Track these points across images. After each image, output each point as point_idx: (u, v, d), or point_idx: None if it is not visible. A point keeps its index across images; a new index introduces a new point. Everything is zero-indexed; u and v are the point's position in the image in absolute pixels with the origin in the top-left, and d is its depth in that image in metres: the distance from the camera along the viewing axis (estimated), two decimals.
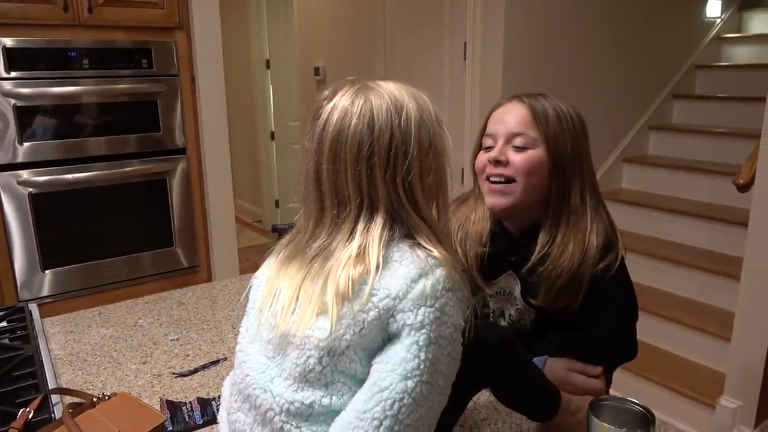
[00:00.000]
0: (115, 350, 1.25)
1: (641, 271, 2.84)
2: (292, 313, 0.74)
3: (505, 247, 1.12)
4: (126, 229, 2.55)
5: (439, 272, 0.71)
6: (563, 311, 1.06)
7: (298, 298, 0.74)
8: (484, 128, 1.12)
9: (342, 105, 0.76)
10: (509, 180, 1.06)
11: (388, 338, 0.70)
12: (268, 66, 4.74)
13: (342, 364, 0.70)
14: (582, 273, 1.03)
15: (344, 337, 0.69)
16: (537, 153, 1.05)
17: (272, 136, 4.87)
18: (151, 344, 1.28)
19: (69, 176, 2.37)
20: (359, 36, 3.55)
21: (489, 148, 1.08)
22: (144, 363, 1.18)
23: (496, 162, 1.06)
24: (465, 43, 2.90)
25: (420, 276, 0.70)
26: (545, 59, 2.93)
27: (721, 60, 3.93)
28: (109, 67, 2.38)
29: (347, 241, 0.74)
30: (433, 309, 0.69)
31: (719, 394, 2.20)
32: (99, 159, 2.43)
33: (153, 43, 2.44)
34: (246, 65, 4.87)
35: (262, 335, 0.78)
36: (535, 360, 1.04)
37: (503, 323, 1.17)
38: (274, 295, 0.78)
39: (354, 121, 0.74)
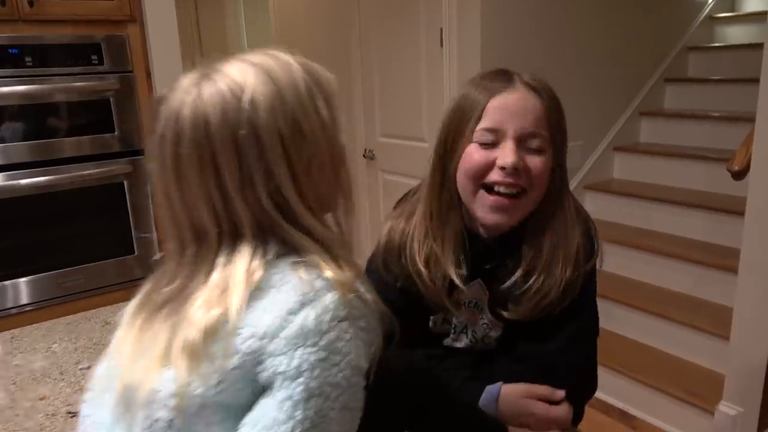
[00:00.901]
0: (14, 383, 1.10)
1: (633, 265, 2.68)
2: (138, 365, 0.58)
3: (477, 253, 0.96)
4: (83, 237, 2.40)
5: (329, 298, 0.55)
6: (539, 320, 0.91)
7: (145, 348, 0.59)
8: (478, 117, 0.88)
9: (173, 107, 0.60)
10: (520, 192, 0.87)
11: (260, 391, 0.55)
12: None
13: (198, 427, 0.55)
14: (576, 278, 0.90)
15: (196, 393, 0.54)
16: (548, 157, 0.89)
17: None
18: (58, 374, 1.12)
19: (19, 182, 2.21)
20: (335, 25, 3.38)
21: (488, 146, 0.87)
22: (42, 399, 1.03)
23: (512, 170, 0.85)
24: (441, 29, 2.73)
25: (302, 305, 0.55)
26: (526, 43, 2.76)
27: (714, 41, 3.75)
28: (54, 64, 2.21)
29: (205, 281, 0.59)
30: (315, 349, 0.54)
31: (718, 399, 2.04)
32: (51, 163, 2.28)
33: (103, 37, 2.28)
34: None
35: (111, 386, 0.63)
36: (488, 389, 0.89)
37: (464, 341, 1.01)
38: (122, 344, 0.62)
39: (186, 124, 0.59)
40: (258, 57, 0.63)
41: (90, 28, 2.27)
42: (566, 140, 0.93)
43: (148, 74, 2.41)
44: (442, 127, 0.94)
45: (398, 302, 0.92)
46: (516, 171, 0.85)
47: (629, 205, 2.96)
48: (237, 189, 0.59)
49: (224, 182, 0.59)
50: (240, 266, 0.58)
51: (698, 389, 2.17)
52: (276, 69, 0.62)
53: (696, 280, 2.53)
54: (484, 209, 0.89)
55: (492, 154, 0.87)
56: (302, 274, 0.57)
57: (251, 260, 0.58)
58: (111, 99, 2.34)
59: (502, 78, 0.90)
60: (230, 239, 0.60)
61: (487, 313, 0.98)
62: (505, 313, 0.93)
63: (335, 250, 0.62)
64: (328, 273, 0.57)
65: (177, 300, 0.60)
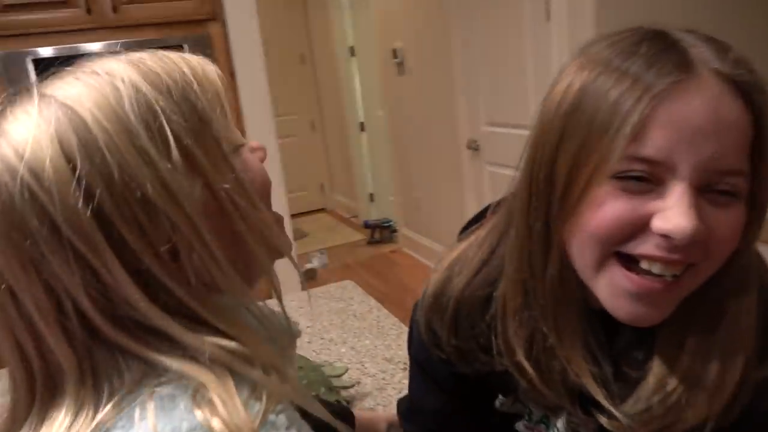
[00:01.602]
0: None
1: None
2: None
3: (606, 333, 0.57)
4: None
5: None
6: None
7: None
8: (629, 137, 0.45)
9: None
10: (685, 269, 0.48)
11: None
12: (353, 53, 4.47)
13: None
14: (740, 395, 0.52)
15: None
16: (742, 205, 0.48)
17: (362, 126, 4.60)
18: None
19: None
20: (435, 9, 3.13)
21: (637, 184, 0.46)
22: None
23: (688, 241, 0.44)
24: (546, 1, 2.37)
25: None
26: (658, 4, 2.30)
27: None
28: None
29: None
30: None
31: None
32: None
33: (186, 38, 2.25)
34: (330, 54, 4.65)
35: None
36: None
37: None
38: None
39: None
40: (73, 83, 0.43)
41: (172, 30, 2.25)
42: None
43: (232, 74, 2.35)
44: (540, 140, 0.52)
45: (447, 383, 0.66)
46: (691, 244, 0.45)
47: None
48: (41, 314, 0.40)
49: (22, 305, 0.40)
50: None
51: None
52: (94, 102, 0.41)
53: None
54: (617, 293, 0.49)
55: (645, 206, 0.46)
56: (156, 419, 0.37)
57: (72, 422, 0.39)
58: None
59: (668, 57, 0.46)
60: (46, 388, 0.42)
61: (576, 409, 0.59)
62: (603, 420, 0.55)
63: (250, 356, 0.42)
64: (202, 413, 0.38)
65: None
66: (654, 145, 0.45)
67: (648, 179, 0.46)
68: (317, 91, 5.14)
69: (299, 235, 4.60)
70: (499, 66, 2.73)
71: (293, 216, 4.95)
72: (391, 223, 4.28)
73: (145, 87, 0.42)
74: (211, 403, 0.39)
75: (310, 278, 3.69)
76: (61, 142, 0.39)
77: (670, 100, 0.45)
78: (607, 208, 0.47)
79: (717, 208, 0.46)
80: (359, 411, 0.84)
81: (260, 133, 2.43)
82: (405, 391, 0.98)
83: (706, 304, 0.52)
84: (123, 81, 0.42)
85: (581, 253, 0.50)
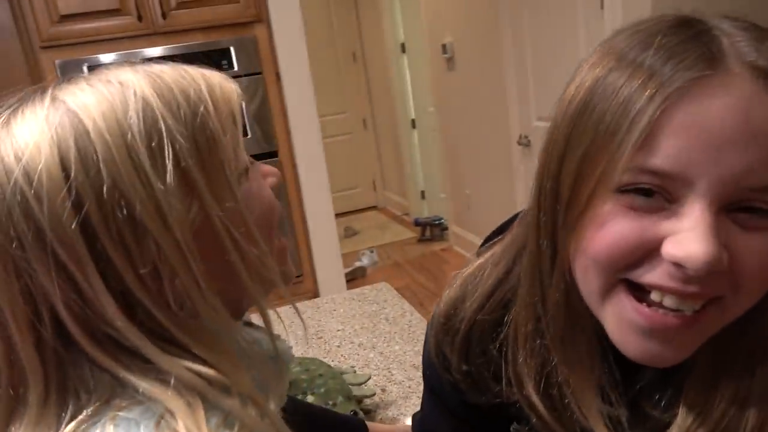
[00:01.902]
0: None
1: None
2: None
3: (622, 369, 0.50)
4: None
5: None
6: None
7: None
8: (638, 144, 0.38)
9: None
10: (708, 303, 0.41)
11: None
12: (403, 50, 4.43)
13: None
14: None
15: None
16: None
17: (413, 124, 4.56)
18: None
19: None
20: (484, 1, 3.05)
21: (645, 200, 0.39)
22: None
23: (703, 272, 0.37)
24: None
25: None
26: None
27: None
28: None
29: None
30: None
31: None
32: None
33: (232, 41, 2.29)
34: (381, 51, 4.63)
35: None
36: None
37: None
38: None
39: None
40: (86, 90, 0.42)
41: (219, 33, 2.29)
42: None
43: (278, 75, 2.37)
44: (548, 146, 0.46)
45: (458, 410, 0.60)
46: (710, 275, 0.37)
47: None
48: (15, 318, 0.39)
49: (3, 321, 0.40)
50: None
51: None
52: (100, 112, 0.40)
53: None
54: (625, 328, 0.42)
55: (655, 227, 0.39)
56: None
57: None
58: (242, 103, 2.35)
59: (693, 48, 0.39)
60: (8, 397, 0.41)
61: None
62: None
63: (227, 385, 0.41)
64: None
65: None
66: (666, 154, 0.37)
67: (660, 194, 0.38)
68: (369, 89, 5.14)
69: (350, 233, 4.62)
70: (551, 58, 2.63)
71: (345, 214, 5.00)
72: (442, 220, 4.22)
73: (155, 102, 0.41)
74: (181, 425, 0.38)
75: (359, 276, 3.70)
76: (60, 149, 0.39)
77: (689, 99, 0.37)
78: (609, 228, 0.40)
79: (747, 231, 0.38)
80: (375, 424, 0.82)
81: (305, 133, 2.45)
82: None
83: (746, 340, 0.44)
84: (134, 94, 0.41)
85: (585, 279, 0.44)
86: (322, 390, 0.84)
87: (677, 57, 0.39)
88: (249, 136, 2.38)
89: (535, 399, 0.50)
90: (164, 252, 0.40)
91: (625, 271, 0.41)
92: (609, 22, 2.27)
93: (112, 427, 0.37)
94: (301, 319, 0.51)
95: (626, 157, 0.38)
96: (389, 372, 1.05)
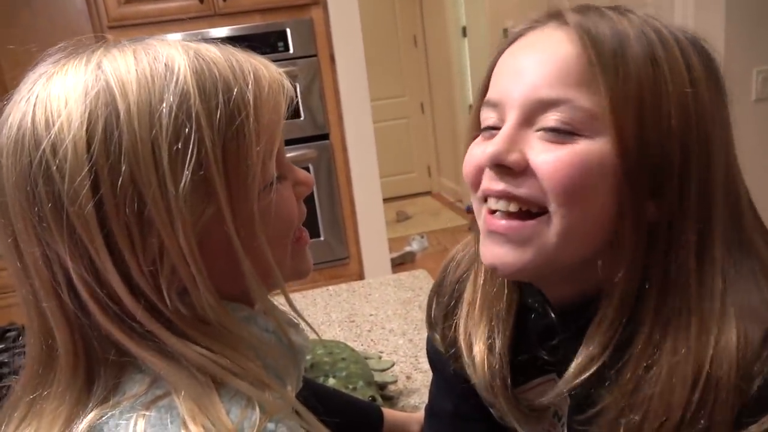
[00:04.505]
0: None
1: None
2: None
3: (539, 331, 0.56)
4: None
5: None
6: None
7: None
8: (485, 88, 0.52)
9: (14, 101, 0.42)
10: (529, 210, 0.47)
11: None
12: (464, 33, 4.35)
13: None
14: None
15: None
16: (593, 147, 0.45)
17: (470, 109, 4.48)
18: None
19: None
20: None
21: (490, 132, 0.49)
22: None
23: (497, 167, 0.47)
24: None
25: None
26: None
27: None
28: None
29: None
30: None
31: None
32: None
33: (288, 23, 2.32)
34: (442, 35, 4.56)
35: None
36: None
37: None
38: None
39: (18, 133, 0.41)
40: (131, 66, 0.41)
41: (276, 15, 2.32)
42: (672, 104, 0.44)
43: (332, 58, 2.39)
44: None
45: (455, 381, 0.62)
46: (503, 168, 0.46)
47: None
48: (39, 276, 0.41)
49: (25, 262, 0.42)
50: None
51: None
52: (136, 97, 0.40)
53: None
54: (483, 238, 0.50)
55: (486, 148, 0.48)
56: None
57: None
58: (297, 85, 2.38)
59: (539, 16, 0.51)
60: (47, 368, 0.43)
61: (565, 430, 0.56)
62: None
63: (237, 371, 0.42)
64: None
65: None
66: (494, 87, 0.50)
67: (494, 125, 0.49)
68: (428, 73, 5.09)
69: (402, 217, 4.62)
70: None
71: (398, 198, 5.00)
72: None
73: (193, 97, 0.41)
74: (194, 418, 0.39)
75: (408, 261, 3.70)
76: (89, 128, 0.39)
77: (513, 47, 0.50)
78: (469, 153, 0.51)
79: (546, 145, 0.46)
80: (392, 411, 0.82)
81: (356, 116, 2.46)
82: None
83: (648, 297, 0.47)
84: (176, 83, 0.41)
85: (473, 198, 0.52)
86: (344, 374, 0.85)
87: (528, 23, 0.51)
88: (302, 118, 2.41)
89: (463, 345, 0.58)
90: (166, 251, 0.40)
91: (480, 187, 0.50)
92: (680, 8, 2.15)
93: (142, 422, 0.39)
94: (297, 313, 0.51)
95: (477, 99, 0.52)
96: (416, 360, 1.05)
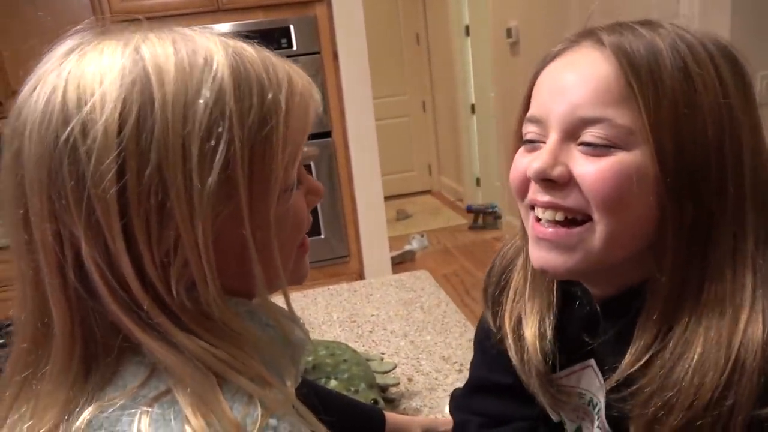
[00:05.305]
0: None
1: None
2: None
3: (582, 319, 0.60)
4: None
5: None
6: None
7: None
8: (526, 103, 0.56)
9: (31, 85, 0.41)
10: (574, 218, 0.51)
11: None
12: (467, 32, 4.34)
13: None
14: (736, 401, 0.47)
15: None
16: (630, 158, 0.48)
17: (472, 109, 4.48)
18: None
19: None
20: None
21: (532, 144, 0.53)
22: None
23: (543, 181, 0.51)
24: None
25: None
26: None
27: None
28: None
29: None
30: None
31: None
32: None
33: (292, 19, 2.31)
34: (444, 33, 4.55)
35: None
36: None
37: None
38: None
39: (8, 131, 0.41)
40: (169, 55, 0.41)
41: (280, 11, 2.31)
42: (707, 117, 0.47)
43: (335, 55, 2.38)
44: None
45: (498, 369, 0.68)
46: (549, 182, 0.50)
47: None
48: (45, 251, 0.40)
49: (32, 236, 0.41)
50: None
51: None
52: (173, 87, 0.39)
53: None
54: (532, 245, 0.55)
55: (531, 163, 0.52)
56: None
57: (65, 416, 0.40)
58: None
59: (575, 36, 0.54)
60: (40, 348, 0.42)
61: (603, 423, 0.58)
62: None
63: (238, 367, 0.41)
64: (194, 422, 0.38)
65: None
66: (535, 104, 0.53)
67: (537, 139, 0.52)
68: (430, 72, 5.08)
69: (402, 216, 4.62)
70: None
71: (398, 197, 4.99)
72: (495, 208, 4.15)
73: (229, 95, 0.40)
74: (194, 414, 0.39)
75: (408, 260, 3.70)
76: (122, 113, 0.38)
77: (551, 64, 0.53)
78: (514, 166, 0.55)
79: (587, 158, 0.49)
80: (394, 414, 0.82)
81: (359, 114, 2.45)
82: None
83: (685, 294, 0.51)
84: (213, 79, 0.40)
85: (519, 206, 0.56)
86: (346, 376, 0.85)
87: (562, 43, 0.54)
88: None
89: (508, 332, 0.63)
90: (181, 244, 0.40)
91: (527, 197, 0.54)
92: (684, 11, 2.14)
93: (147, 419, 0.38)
94: (291, 308, 0.49)
95: (520, 114, 0.56)
96: (418, 362, 1.05)
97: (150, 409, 0.39)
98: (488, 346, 0.68)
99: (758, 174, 0.50)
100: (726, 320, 0.48)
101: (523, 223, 0.58)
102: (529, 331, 0.61)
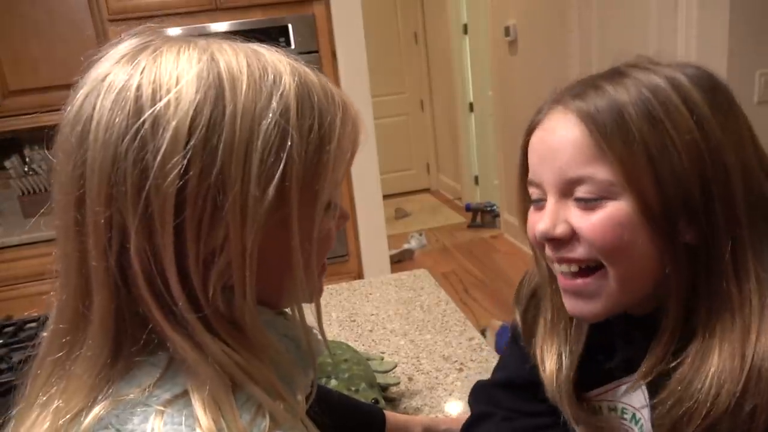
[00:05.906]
0: None
1: None
2: None
3: (605, 344, 0.63)
4: None
5: None
6: None
7: None
8: (523, 164, 0.60)
9: (101, 74, 0.42)
10: (588, 266, 0.56)
11: None
12: (465, 31, 4.33)
13: None
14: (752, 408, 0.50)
15: None
16: (618, 206, 0.52)
17: (471, 107, 4.48)
18: None
19: None
20: None
21: (538, 204, 0.59)
22: None
23: (550, 241, 0.56)
24: None
25: None
26: None
27: None
28: None
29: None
30: None
31: None
32: None
33: (290, 18, 2.30)
34: (442, 32, 4.55)
35: None
36: None
37: None
38: None
39: (66, 128, 0.42)
40: (241, 65, 0.42)
41: (278, 10, 2.31)
42: (681, 149, 0.50)
43: (333, 54, 2.37)
44: None
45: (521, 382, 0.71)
46: (554, 241, 0.55)
47: None
48: (95, 234, 0.41)
49: (85, 218, 0.41)
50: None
51: None
52: (243, 98, 0.41)
53: None
54: (562, 293, 0.60)
55: (538, 225, 0.57)
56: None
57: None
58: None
59: (549, 102, 0.58)
60: (78, 330, 0.43)
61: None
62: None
63: (253, 374, 0.42)
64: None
65: None
66: (533, 171, 0.58)
67: (540, 199, 0.57)
68: (428, 70, 5.08)
69: (401, 214, 4.62)
70: (619, 49, 2.51)
71: (397, 195, 5.00)
72: (494, 207, 4.16)
73: (292, 114, 0.43)
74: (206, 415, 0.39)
75: (407, 258, 3.70)
76: (195, 115, 0.40)
77: (538, 132, 0.57)
78: (529, 224, 0.59)
79: (583, 212, 0.53)
80: (394, 414, 0.82)
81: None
82: (456, 393, 0.94)
83: (694, 320, 0.55)
84: (281, 96, 0.42)
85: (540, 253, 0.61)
86: (346, 375, 0.85)
87: (546, 102, 0.58)
88: None
89: (537, 348, 0.67)
90: (227, 246, 0.41)
91: (547, 252, 0.58)
92: (683, 8, 2.14)
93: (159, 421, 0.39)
94: (321, 322, 0.52)
95: (518, 175, 0.61)
96: (418, 361, 1.05)
97: (164, 409, 0.39)
98: (522, 346, 0.71)
99: (752, 188, 0.52)
100: (737, 332, 0.51)
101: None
102: (551, 359, 0.65)
